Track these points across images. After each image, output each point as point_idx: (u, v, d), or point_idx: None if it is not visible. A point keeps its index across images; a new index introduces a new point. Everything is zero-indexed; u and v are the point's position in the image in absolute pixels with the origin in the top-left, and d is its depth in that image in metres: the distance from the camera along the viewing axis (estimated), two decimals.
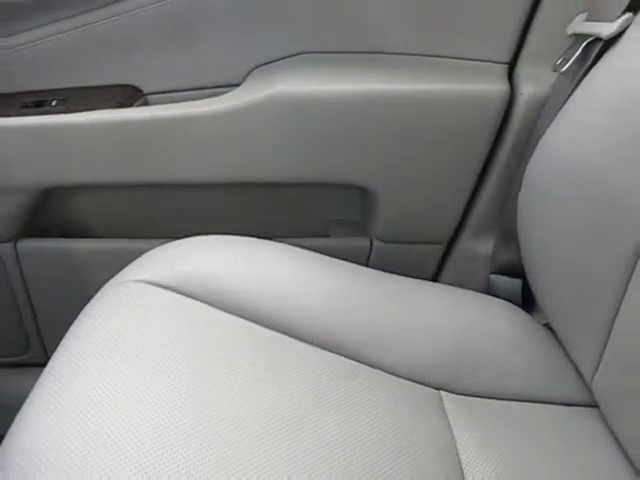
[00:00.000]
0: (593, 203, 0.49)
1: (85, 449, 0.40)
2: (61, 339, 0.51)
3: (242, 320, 0.55)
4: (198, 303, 0.54)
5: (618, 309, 0.47)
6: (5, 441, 0.42)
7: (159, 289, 0.54)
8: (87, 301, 0.55)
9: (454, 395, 0.55)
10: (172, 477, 0.39)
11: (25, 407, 0.44)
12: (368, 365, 0.55)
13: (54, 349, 0.50)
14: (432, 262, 0.78)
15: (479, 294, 0.65)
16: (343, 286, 0.60)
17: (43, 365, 0.48)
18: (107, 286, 0.56)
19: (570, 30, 0.58)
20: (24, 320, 0.81)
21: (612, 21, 0.51)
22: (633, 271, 0.44)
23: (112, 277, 0.58)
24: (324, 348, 0.55)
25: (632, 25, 0.50)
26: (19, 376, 0.84)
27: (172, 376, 0.46)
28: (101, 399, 0.43)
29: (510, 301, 0.65)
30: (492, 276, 0.70)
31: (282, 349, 0.53)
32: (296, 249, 0.62)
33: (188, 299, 0.55)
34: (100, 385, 0.45)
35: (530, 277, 0.61)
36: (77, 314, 0.54)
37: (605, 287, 0.48)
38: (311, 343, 0.55)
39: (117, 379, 0.45)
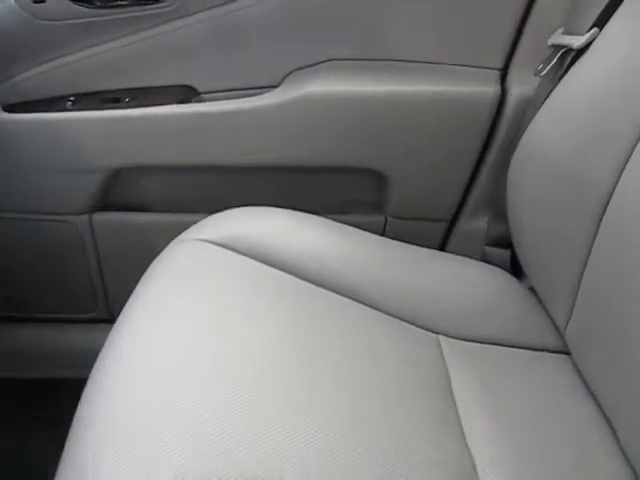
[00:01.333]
0: (563, 182, 0.55)
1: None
2: (125, 299, 0.56)
3: (282, 272, 0.61)
4: (245, 258, 0.61)
5: (585, 265, 0.52)
6: (87, 388, 0.47)
7: (214, 246, 0.62)
8: (148, 266, 0.61)
9: (451, 339, 0.61)
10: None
11: (101, 356, 0.49)
12: (381, 311, 0.61)
13: (119, 307, 0.55)
14: (437, 236, 0.85)
15: (475, 261, 0.70)
16: (365, 249, 0.66)
17: (108, 321, 0.52)
18: (172, 244, 0.64)
19: (550, 41, 0.63)
20: (93, 282, 0.87)
21: (582, 34, 0.57)
22: (596, 233, 0.50)
23: None
24: (348, 297, 0.61)
25: (597, 38, 0.56)
26: (88, 330, 0.89)
27: (227, 320, 0.52)
28: (169, 342, 0.49)
29: (502, 268, 0.70)
30: (487, 248, 0.76)
31: (313, 297, 0.60)
32: (324, 219, 0.68)
33: (237, 254, 0.61)
34: (166, 329, 0.50)
35: (516, 245, 0.67)
36: (139, 277, 0.59)
37: (574, 247, 0.53)
38: (336, 292, 0.61)
39: (181, 324, 0.50)
